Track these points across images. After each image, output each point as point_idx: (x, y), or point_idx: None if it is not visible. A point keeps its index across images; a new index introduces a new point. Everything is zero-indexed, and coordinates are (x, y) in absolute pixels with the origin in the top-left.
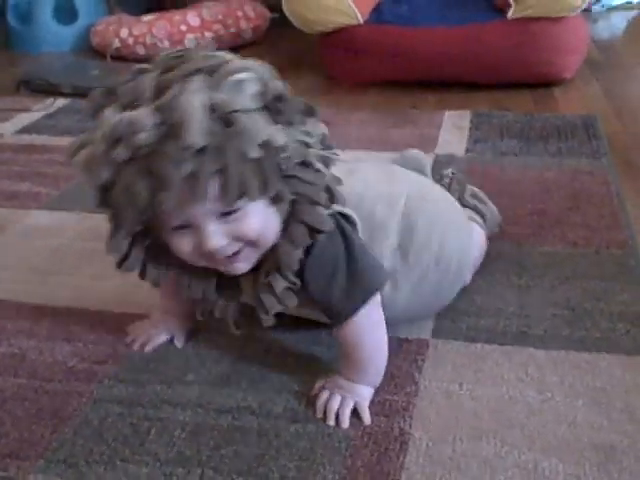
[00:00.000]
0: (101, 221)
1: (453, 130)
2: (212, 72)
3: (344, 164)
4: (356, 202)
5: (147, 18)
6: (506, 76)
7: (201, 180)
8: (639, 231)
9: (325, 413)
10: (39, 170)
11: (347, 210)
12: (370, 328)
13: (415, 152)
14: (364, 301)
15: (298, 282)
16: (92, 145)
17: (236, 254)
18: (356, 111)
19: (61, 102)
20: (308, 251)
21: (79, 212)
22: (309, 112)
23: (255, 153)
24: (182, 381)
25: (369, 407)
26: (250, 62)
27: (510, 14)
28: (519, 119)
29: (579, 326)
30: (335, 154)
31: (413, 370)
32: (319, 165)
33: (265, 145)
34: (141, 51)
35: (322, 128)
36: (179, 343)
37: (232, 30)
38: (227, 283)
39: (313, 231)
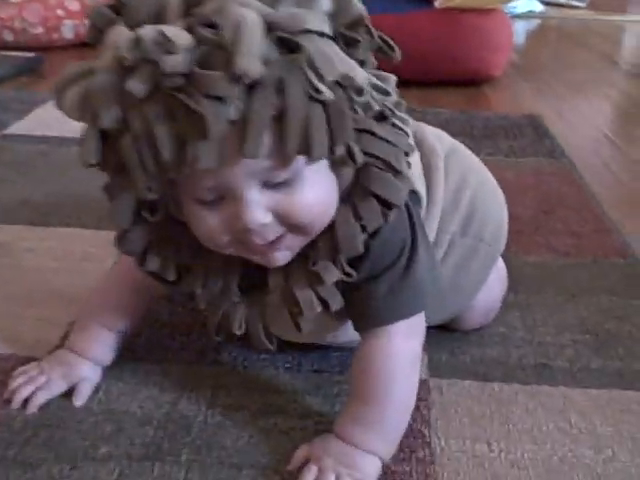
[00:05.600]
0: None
1: None
2: None
3: None
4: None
5: (17, 0)
6: (433, 71)
7: (252, 126)
8: (629, 235)
9: None
10: None
11: (417, 186)
12: (405, 356)
13: None
14: (411, 311)
15: (353, 273)
16: (92, 76)
17: (276, 240)
18: None
19: None
20: (374, 233)
21: None
22: (383, 51)
23: (327, 93)
24: (91, 457)
25: None
26: None
27: (438, 3)
28: (456, 117)
29: (611, 355)
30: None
31: (419, 425)
32: (399, 122)
33: (341, 83)
34: (9, 37)
35: (394, 81)
36: (79, 398)
37: None
38: (251, 279)
39: (385, 207)
